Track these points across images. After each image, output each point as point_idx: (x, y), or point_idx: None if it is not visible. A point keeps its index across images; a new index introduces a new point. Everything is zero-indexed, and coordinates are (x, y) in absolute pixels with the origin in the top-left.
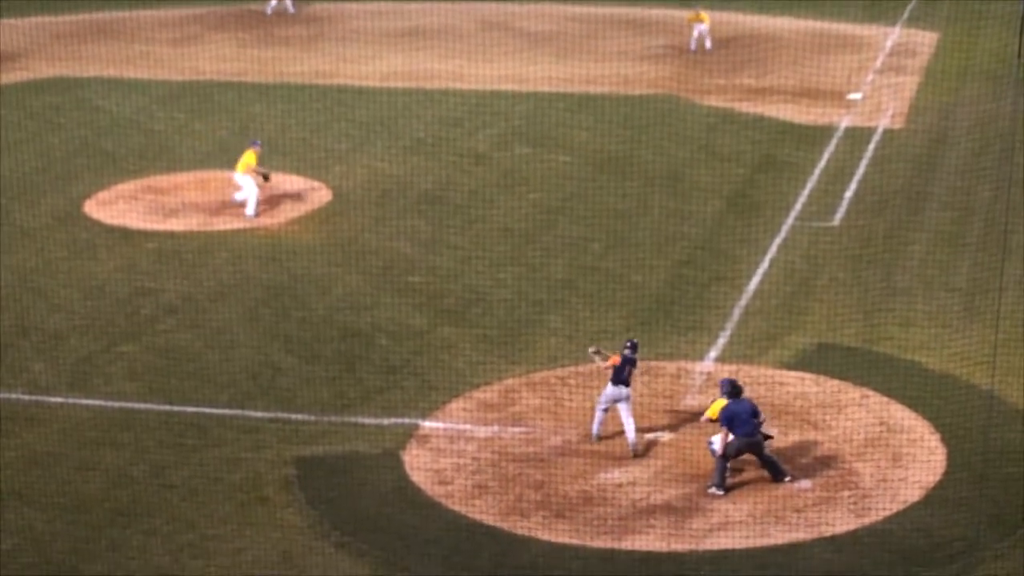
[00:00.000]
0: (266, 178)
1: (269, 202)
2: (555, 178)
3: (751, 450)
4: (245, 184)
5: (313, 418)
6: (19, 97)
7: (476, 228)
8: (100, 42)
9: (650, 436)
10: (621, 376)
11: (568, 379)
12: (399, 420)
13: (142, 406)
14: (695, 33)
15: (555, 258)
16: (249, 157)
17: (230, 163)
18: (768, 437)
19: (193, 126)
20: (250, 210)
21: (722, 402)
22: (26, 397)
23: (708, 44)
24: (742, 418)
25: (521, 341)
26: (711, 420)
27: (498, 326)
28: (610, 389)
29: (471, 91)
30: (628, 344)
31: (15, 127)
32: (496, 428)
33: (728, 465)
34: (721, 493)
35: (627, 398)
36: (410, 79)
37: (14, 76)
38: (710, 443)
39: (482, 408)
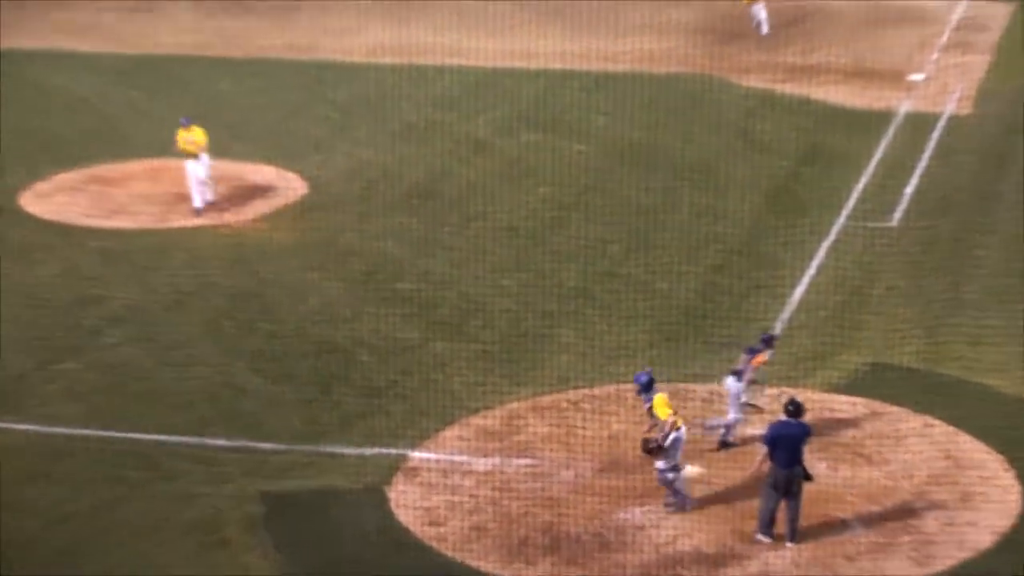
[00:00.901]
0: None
1: (233, 196)
2: (568, 169)
3: (787, 486)
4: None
5: (283, 447)
6: None
7: (475, 227)
8: (40, 9)
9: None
10: (736, 368)
11: (581, 403)
12: (384, 450)
13: (83, 432)
14: (757, 16)
15: (567, 262)
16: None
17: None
18: (808, 477)
19: (148, 107)
20: (197, 201)
21: (663, 400)
22: None
23: (765, 28)
24: (786, 444)
25: (527, 359)
26: (654, 424)
27: (500, 341)
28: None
29: (471, 68)
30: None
31: None
32: (497, 460)
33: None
34: (768, 541)
35: (736, 391)
36: (400, 54)
37: None
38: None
39: (481, 437)
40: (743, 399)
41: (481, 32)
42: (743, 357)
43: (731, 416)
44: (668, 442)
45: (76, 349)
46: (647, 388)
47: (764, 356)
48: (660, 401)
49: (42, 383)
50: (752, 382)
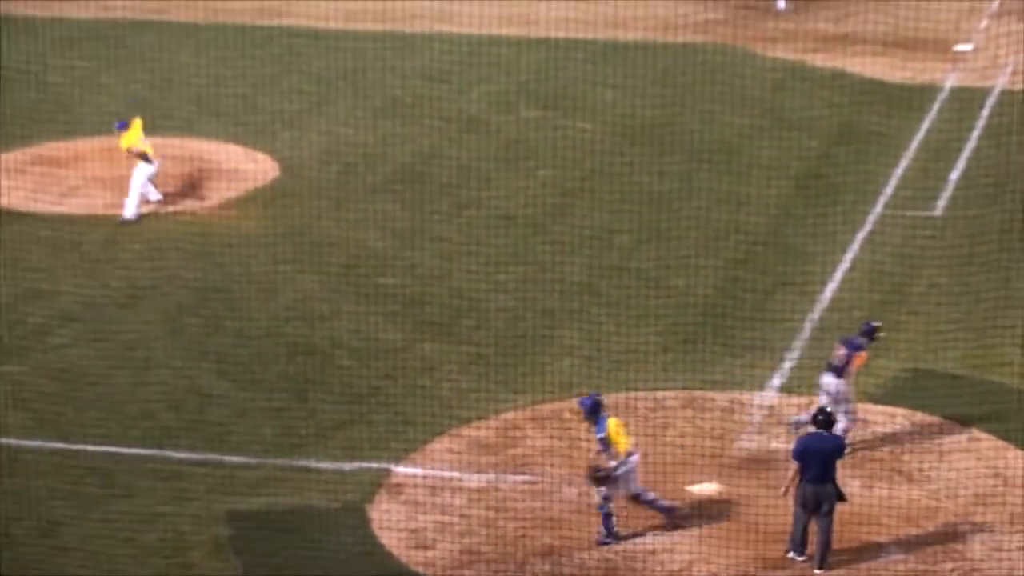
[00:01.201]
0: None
1: (196, 180)
2: (572, 150)
3: (816, 505)
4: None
5: (252, 461)
6: None
7: (468, 215)
8: None
9: (694, 488)
10: (833, 364)
11: None
12: (365, 465)
13: (28, 443)
14: None
15: (570, 255)
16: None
17: (148, 126)
18: (841, 497)
19: (99, 78)
20: (129, 211)
21: (617, 425)
22: None
23: (782, 3)
24: (817, 459)
25: (526, 363)
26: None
27: (495, 343)
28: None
29: (463, 36)
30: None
31: None
32: (491, 476)
33: (806, 522)
34: (801, 559)
35: (838, 390)
36: (383, 19)
37: None
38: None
39: (474, 450)
40: (847, 403)
41: None
42: (841, 352)
43: (843, 422)
44: (621, 471)
45: (20, 350)
46: (593, 413)
47: (867, 353)
48: (615, 427)
49: None
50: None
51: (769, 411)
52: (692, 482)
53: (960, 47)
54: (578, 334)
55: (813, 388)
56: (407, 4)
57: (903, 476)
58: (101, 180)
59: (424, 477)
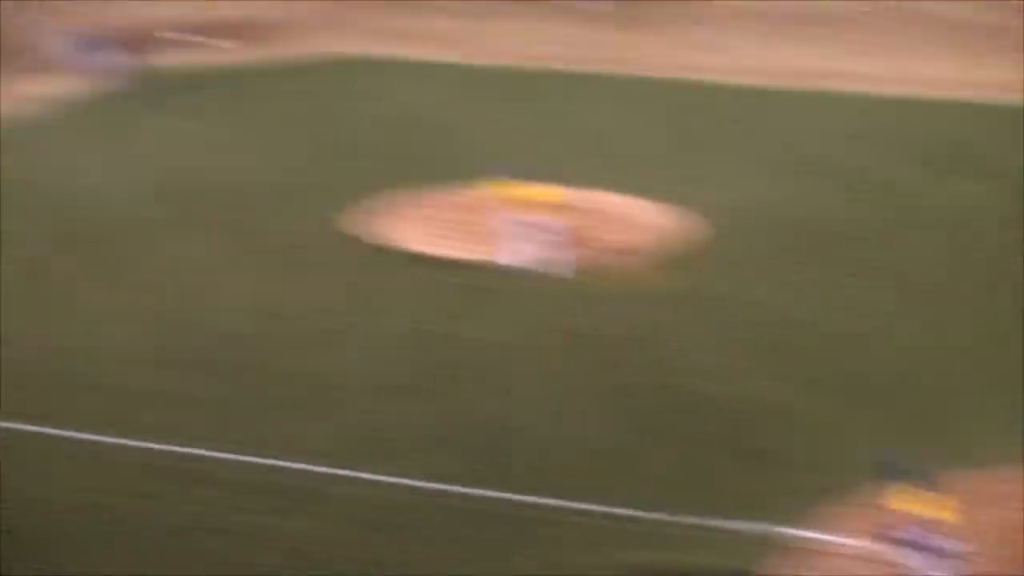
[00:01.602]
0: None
1: (607, 233)
2: (987, 220)
3: None
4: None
5: (651, 516)
6: (281, 79)
7: (874, 278)
8: (378, 10)
9: None
10: None
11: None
12: (757, 525)
13: (426, 485)
14: None
15: (985, 324)
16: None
17: (560, 177)
18: None
19: (511, 126)
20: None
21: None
22: (293, 466)
23: None
24: None
25: (928, 431)
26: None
27: (898, 408)
28: None
29: (887, 98)
30: None
31: (279, 118)
32: (892, 548)
33: None
34: None
35: None
36: (795, 76)
37: (281, 51)
38: None
39: (873, 517)
40: None
41: (899, 56)
42: None
43: None
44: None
45: (425, 393)
46: (888, 475)
47: None
48: (914, 496)
49: (391, 428)
50: None
51: None
52: None
53: None
54: (986, 401)
55: None
56: (827, 64)
57: None
58: (509, 229)
59: (818, 541)
